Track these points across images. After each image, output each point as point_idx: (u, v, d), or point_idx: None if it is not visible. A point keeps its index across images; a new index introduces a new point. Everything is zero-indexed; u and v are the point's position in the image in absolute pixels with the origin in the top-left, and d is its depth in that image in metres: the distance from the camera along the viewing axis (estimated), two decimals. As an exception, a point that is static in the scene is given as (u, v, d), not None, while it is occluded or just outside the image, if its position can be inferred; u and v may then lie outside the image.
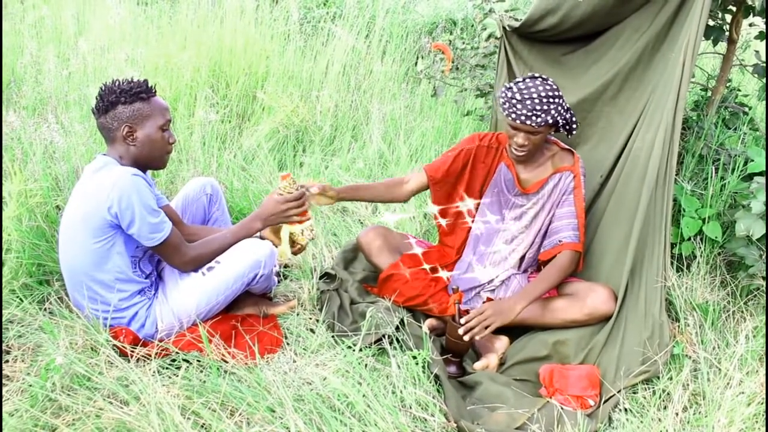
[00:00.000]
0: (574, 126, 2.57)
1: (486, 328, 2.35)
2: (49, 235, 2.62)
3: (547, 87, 2.42)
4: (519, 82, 2.45)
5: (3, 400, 1.98)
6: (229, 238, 2.37)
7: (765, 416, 2.11)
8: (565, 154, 2.64)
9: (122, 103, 2.21)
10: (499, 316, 2.37)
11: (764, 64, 3.22)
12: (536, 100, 2.38)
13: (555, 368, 2.35)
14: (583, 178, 2.61)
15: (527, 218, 2.65)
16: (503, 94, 2.45)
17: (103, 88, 2.23)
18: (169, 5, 5.17)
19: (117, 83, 2.23)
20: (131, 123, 2.23)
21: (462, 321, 2.36)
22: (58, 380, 1.99)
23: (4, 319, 2.28)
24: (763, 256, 2.62)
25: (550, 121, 2.42)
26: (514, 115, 2.41)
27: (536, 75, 2.47)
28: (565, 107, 2.49)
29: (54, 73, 3.81)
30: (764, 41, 3.17)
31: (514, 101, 2.40)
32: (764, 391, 2.21)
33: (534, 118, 2.39)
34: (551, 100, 2.40)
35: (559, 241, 2.57)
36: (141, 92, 2.23)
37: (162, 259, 2.31)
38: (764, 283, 2.59)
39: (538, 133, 2.45)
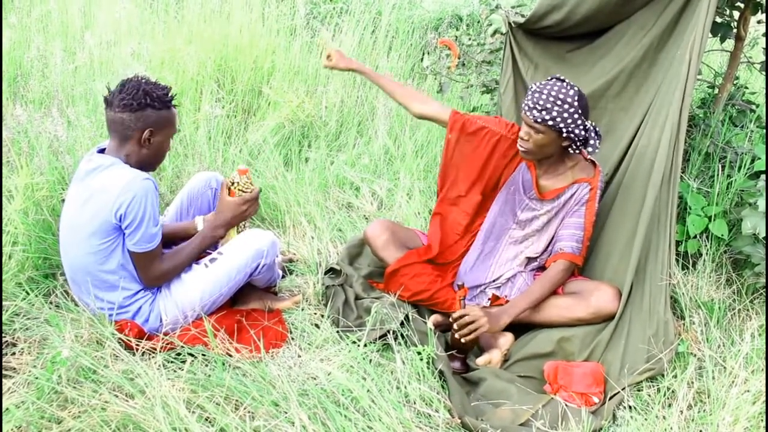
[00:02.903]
0: (597, 144, 2.46)
1: (472, 332, 2.39)
2: (55, 229, 2.62)
3: (564, 91, 2.36)
4: (549, 79, 2.44)
5: (9, 392, 1.99)
6: (195, 250, 2.40)
7: (765, 416, 2.11)
8: (587, 166, 2.61)
9: (153, 107, 2.22)
10: (487, 325, 2.40)
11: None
12: (545, 96, 2.36)
13: (560, 365, 2.35)
14: (599, 192, 2.59)
15: (538, 223, 2.64)
16: (530, 88, 2.45)
17: (134, 86, 2.21)
18: (174, 0, 5.17)
19: (148, 85, 2.23)
20: (154, 128, 2.24)
21: (454, 315, 2.38)
22: (64, 373, 2.00)
23: (10, 312, 2.29)
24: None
25: (551, 124, 2.36)
26: (524, 104, 2.41)
27: (564, 79, 2.42)
28: (578, 121, 2.39)
29: (60, 67, 3.82)
30: (765, 37, 3.16)
31: (530, 92, 2.41)
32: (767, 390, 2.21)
33: (534, 111, 2.36)
34: (560, 103, 2.35)
35: (560, 249, 2.58)
36: (170, 101, 2.27)
37: (136, 266, 2.27)
38: (770, 282, 2.59)
39: (539, 131, 2.40)
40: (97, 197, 2.17)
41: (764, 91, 3.33)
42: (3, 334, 2.22)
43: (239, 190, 2.46)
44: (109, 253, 2.21)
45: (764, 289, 2.65)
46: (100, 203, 2.16)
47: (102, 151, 2.30)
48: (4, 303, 2.29)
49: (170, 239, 2.55)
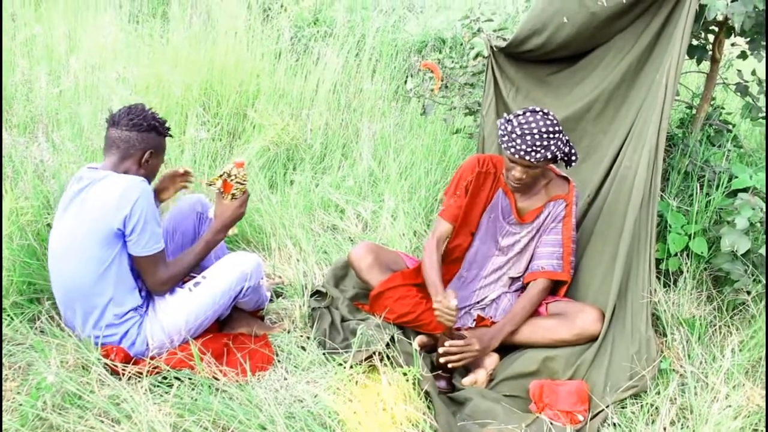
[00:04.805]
0: (574, 159, 2.54)
1: (462, 359, 2.43)
2: (39, 254, 2.62)
3: (548, 122, 2.39)
4: (519, 115, 2.43)
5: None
6: (200, 255, 2.44)
7: (766, 414, 2.15)
8: (561, 182, 2.66)
9: (157, 132, 2.37)
10: (477, 352, 2.46)
11: (746, 83, 3.29)
12: (536, 136, 2.37)
13: (545, 384, 2.37)
14: (575, 207, 2.64)
15: (520, 246, 2.67)
16: (503, 127, 2.44)
17: (141, 110, 2.35)
18: (160, 24, 5.20)
19: (152, 112, 2.38)
20: (154, 150, 2.36)
21: (447, 344, 2.40)
22: (49, 399, 1.99)
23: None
24: (749, 271, 2.67)
25: (549, 157, 2.41)
26: (513, 150, 2.40)
27: (537, 109, 2.44)
28: (565, 141, 2.47)
29: (45, 91, 3.82)
30: (746, 60, 3.23)
31: (513, 135, 2.39)
32: (750, 405, 2.24)
33: (533, 153, 2.38)
34: (551, 135, 2.39)
35: (541, 267, 2.62)
36: (168, 131, 2.44)
37: (142, 273, 2.32)
38: (749, 298, 2.63)
39: (536, 167, 2.45)
40: (97, 207, 2.21)
41: (740, 112, 3.41)
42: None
43: (237, 182, 2.46)
44: (110, 262, 2.23)
45: (743, 306, 2.70)
46: (100, 212, 2.19)
47: (93, 169, 2.33)
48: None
49: None
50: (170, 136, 2.45)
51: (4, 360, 2.23)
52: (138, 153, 2.34)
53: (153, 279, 2.31)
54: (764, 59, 3.01)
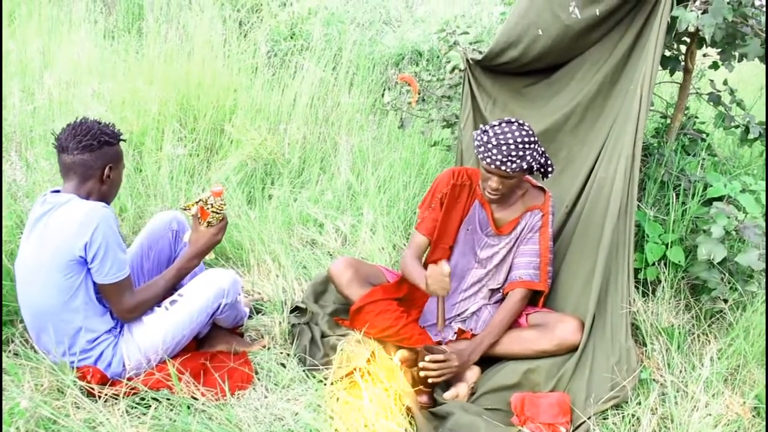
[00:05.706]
0: (550, 170, 2.56)
1: (442, 375, 2.40)
2: (13, 274, 2.57)
3: (523, 132, 2.41)
4: (495, 126, 2.44)
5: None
6: (171, 281, 2.39)
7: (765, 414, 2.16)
8: (537, 192, 2.67)
9: (110, 144, 2.28)
10: (457, 367, 2.44)
11: (718, 93, 3.34)
12: (512, 146, 2.38)
13: (526, 396, 2.36)
14: (551, 217, 2.65)
15: (498, 258, 2.68)
16: (479, 138, 2.45)
17: (87, 128, 2.25)
18: (136, 39, 5.16)
19: (97, 124, 2.28)
20: (113, 163, 2.30)
21: (427, 359, 2.38)
22: (22, 425, 1.95)
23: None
24: (725, 279, 2.69)
25: (525, 167, 2.42)
26: (489, 160, 2.41)
27: (512, 120, 2.46)
28: (541, 152, 2.48)
29: (19, 108, 3.77)
30: (717, 70, 3.29)
31: (489, 146, 2.40)
32: (729, 413, 2.26)
33: (509, 164, 2.39)
34: (527, 146, 2.40)
35: (519, 277, 2.62)
36: (120, 135, 2.34)
37: (107, 301, 2.27)
38: (726, 306, 2.66)
39: (512, 177, 2.46)
40: (58, 234, 2.15)
41: (713, 121, 3.46)
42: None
43: (213, 211, 2.41)
44: (74, 290, 2.18)
45: (721, 314, 2.73)
46: (61, 239, 2.14)
47: (56, 192, 2.29)
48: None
49: None
50: (123, 140, 2.37)
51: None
52: (98, 172, 2.27)
53: (119, 307, 2.26)
54: (734, 69, 3.06)
